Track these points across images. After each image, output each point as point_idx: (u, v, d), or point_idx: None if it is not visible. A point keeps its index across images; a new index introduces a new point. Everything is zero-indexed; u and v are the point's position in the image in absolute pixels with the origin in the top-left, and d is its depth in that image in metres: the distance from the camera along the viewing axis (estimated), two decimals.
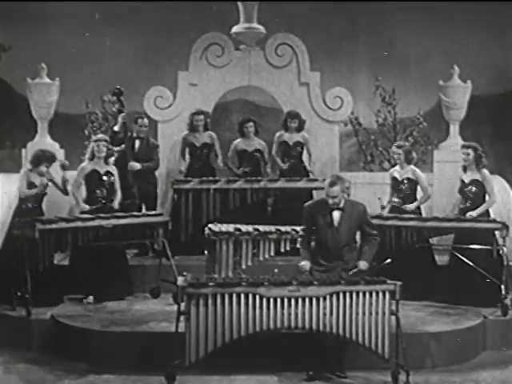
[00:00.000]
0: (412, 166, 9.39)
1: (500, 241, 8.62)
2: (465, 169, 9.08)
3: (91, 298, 8.79)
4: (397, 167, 9.41)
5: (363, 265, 7.26)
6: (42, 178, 8.76)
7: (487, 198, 8.97)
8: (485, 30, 12.79)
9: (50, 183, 8.84)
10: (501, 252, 8.69)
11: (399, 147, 9.38)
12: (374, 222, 8.38)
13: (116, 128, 9.96)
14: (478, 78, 11.53)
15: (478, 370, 7.69)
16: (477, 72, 11.87)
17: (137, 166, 9.85)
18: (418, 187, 9.35)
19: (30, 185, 8.80)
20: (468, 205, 8.97)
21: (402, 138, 12.15)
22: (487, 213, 8.97)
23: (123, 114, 9.85)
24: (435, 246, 9.38)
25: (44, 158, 8.84)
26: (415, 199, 9.31)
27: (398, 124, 12.39)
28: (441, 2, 12.48)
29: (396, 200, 9.29)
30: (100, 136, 9.21)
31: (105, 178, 9.02)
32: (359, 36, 12.99)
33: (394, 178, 9.36)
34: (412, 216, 9.03)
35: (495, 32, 12.82)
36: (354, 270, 7.20)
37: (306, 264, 7.30)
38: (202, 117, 10.32)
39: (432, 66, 12.48)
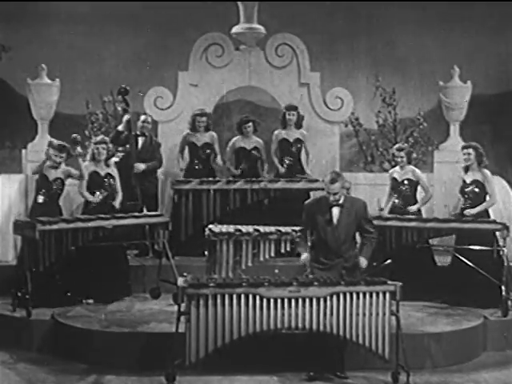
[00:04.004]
0: (412, 167, 9.39)
1: (501, 241, 8.63)
2: (466, 169, 9.06)
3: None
4: (397, 168, 9.40)
5: (362, 262, 7.26)
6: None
7: (487, 198, 8.96)
8: (485, 30, 12.79)
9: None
10: (501, 253, 8.69)
11: (401, 150, 9.33)
12: (375, 222, 8.38)
13: (120, 128, 9.95)
14: (478, 79, 11.53)
15: (479, 370, 7.70)
16: (477, 72, 11.87)
17: (141, 166, 9.85)
18: (418, 188, 9.35)
19: None
20: (468, 205, 8.96)
21: (403, 139, 12.16)
22: (487, 213, 8.96)
23: (128, 115, 9.85)
24: (436, 246, 9.37)
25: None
26: (415, 200, 9.31)
27: (398, 124, 12.38)
28: (441, 2, 12.48)
29: (396, 201, 9.28)
30: (99, 139, 9.14)
31: (105, 180, 9.03)
32: (359, 36, 12.98)
33: (393, 179, 9.35)
34: (412, 217, 9.03)
35: (495, 32, 12.82)
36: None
37: (306, 256, 7.33)
38: (204, 118, 10.32)
39: (432, 66, 12.48)
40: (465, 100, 10.95)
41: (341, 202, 7.25)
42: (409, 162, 9.34)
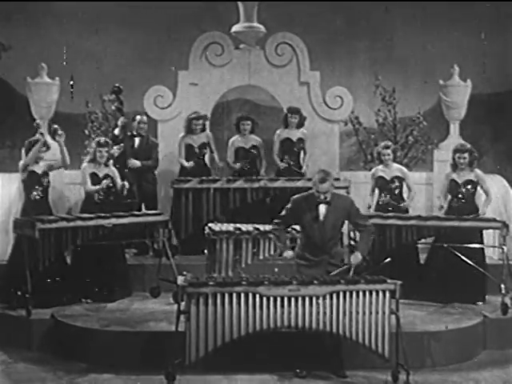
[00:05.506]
0: (397, 165, 9.46)
1: (500, 240, 8.65)
2: (454, 168, 9.07)
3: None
4: (380, 167, 9.37)
5: (354, 258, 7.23)
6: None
7: (481, 195, 8.99)
8: (485, 30, 12.78)
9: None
10: (484, 250, 8.81)
11: (387, 147, 9.35)
12: (375, 221, 8.40)
13: (116, 132, 9.98)
14: (477, 78, 11.53)
15: (478, 369, 7.70)
16: (477, 71, 11.88)
17: (136, 163, 9.90)
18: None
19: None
20: (461, 204, 8.97)
21: (402, 138, 12.15)
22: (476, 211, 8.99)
23: (122, 118, 9.86)
24: (424, 244, 9.35)
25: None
26: (402, 198, 9.31)
27: (398, 123, 12.37)
28: (441, 2, 12.48)
29: (387, 199, 9.28)
30: (103, 141, 9.07)
31: (104, 181, 9.01)
32: (359, 35, 12.98)
33: (380, 178, 9.32)
34: (412, 215, 9.04)
35: (495, 32, 12.81)
36: (341, 269, 7.18)
37: (289, 253, 7.34)
38: (200, 121, 10.33)
39: (432, 65, 12.48)
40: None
41: (328, 199, 7.26)
42: (393, 160, 9.37)
